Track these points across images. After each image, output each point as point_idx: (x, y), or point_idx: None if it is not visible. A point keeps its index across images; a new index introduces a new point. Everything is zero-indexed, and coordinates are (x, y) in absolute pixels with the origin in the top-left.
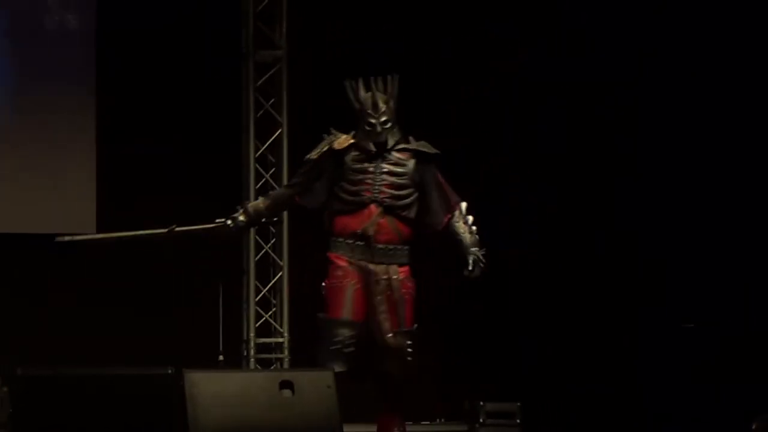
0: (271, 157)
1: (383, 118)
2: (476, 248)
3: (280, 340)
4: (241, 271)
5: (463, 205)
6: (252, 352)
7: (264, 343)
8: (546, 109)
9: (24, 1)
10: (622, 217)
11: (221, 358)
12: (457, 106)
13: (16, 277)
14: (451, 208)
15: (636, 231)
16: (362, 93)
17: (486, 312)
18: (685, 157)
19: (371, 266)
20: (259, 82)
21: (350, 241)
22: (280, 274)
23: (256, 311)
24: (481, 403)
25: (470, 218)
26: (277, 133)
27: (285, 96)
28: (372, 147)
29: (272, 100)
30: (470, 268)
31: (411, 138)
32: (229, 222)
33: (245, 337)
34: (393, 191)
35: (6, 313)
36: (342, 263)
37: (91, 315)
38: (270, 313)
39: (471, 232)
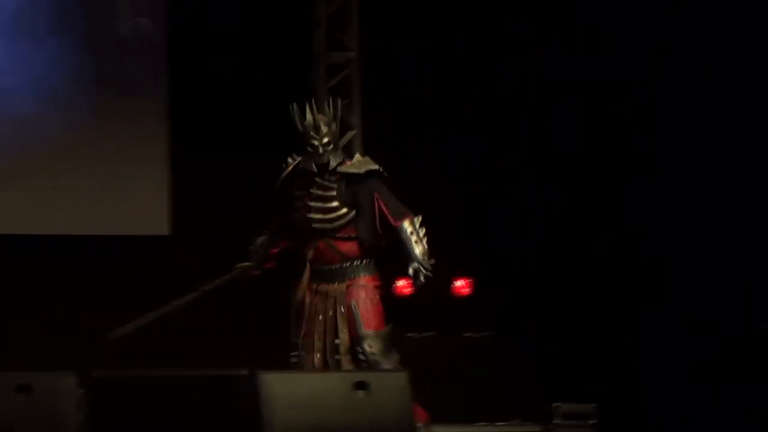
0: None
1: (325, 140)
2: (422, 258)
3: None
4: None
5: (416, 219)
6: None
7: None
8: (561, 106)
9: (97, 7)
10: (632, 215)
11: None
12: (473, 104)
13: (90, 278)
14: (395, 223)
15: (643, 230)
16: (307, 116)
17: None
18: (698, 156)
19: (326, 287)
20: (331, 83)
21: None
22: None
23: None
24: (556, 404)
25: (422, 231)
26: (351, 135)
27: (357, 97)
28: (314, 168)
29: (344, 102)
30: (410, 274)
31: (353, 158)
32: (248, 264)
33: None
34: (322, 215)
35: (78, 313)
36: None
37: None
38: None
39: (419, 242)
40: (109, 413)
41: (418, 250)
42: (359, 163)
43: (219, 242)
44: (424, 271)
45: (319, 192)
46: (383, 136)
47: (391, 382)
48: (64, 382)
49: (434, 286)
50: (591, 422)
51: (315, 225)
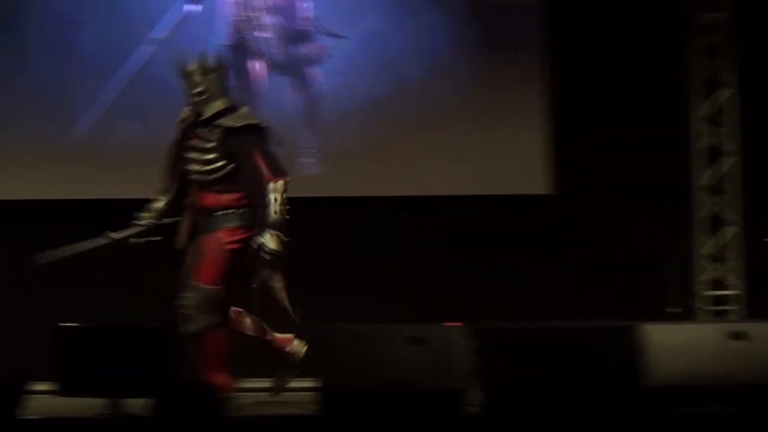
0: (717, 122)
1: (197, 89)
2: (273, 230)
3: (733, 292)
4: (688, 226)
5: (280, 182)
6: (702, 304)
7: (716, 296)
8: None
9: None
10: None
11: (674, 309)
12: None
13: (475, 237)
14: (264, 181)
15: None
16: (183, 67)
17: None
18: None
19: (199, 237)
20: (700, 44)
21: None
22: (730, 229)
23: (705, 264)
24: None
25: (281, 196)
26: (726, 97)
27: (731, 59)
28: (190, 117)
29: (717, 63)
30: (255, 246)
31: (239, 108)
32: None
33: (694, 290)
34: (198, 166)
35: (458, 270)
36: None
37: (540, 272)
38: (719, 266)
39: (276, 212)
40: (495, 362)
41: (272, 217)
42: (240, 117)
43: (599, 202)
44: (266, 252)
45: (199, 143)
46: (761, 97)
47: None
48: (453, 334)
49: None
50: None
51: (193, 176)
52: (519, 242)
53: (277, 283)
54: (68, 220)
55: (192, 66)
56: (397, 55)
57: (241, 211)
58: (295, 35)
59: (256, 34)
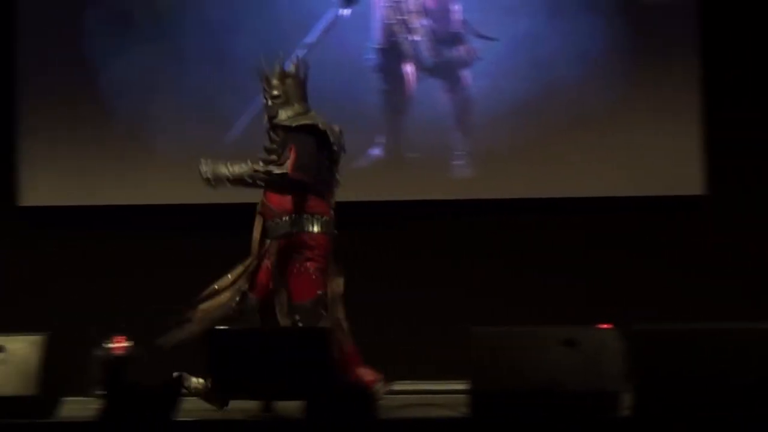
0: None
1: (274, 92)
2: (223, 163)
3: None
4: None
5: (285, 167)
6: None
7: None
8: None
9: None
10: None
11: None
12: None
13: (623, 238)
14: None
15: None
16: (261, 72)
17: None
18: None
19: (268, 241)
20: None
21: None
22: None
23: None
24: None
25: (267, 175)
26: None
27: None
28: (266, 121)
29: None
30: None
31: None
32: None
33: None
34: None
35: (610, 272)
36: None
37: (692, 274)
38: None
39: (249, 168)
40: (648, 364)
41: (243, 167)
42: (299, 117)
43: (754, 203)
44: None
45: (267, 146)
46: None
47: None
48: (605, 335)
49: None
50: None
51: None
52: (671, 244)
53: (338, 289)
54: (225, 224)
55: (271, 70)
56: (548, 58)
57: (305, 215)
58: (446, 38)
59: (407, 37)
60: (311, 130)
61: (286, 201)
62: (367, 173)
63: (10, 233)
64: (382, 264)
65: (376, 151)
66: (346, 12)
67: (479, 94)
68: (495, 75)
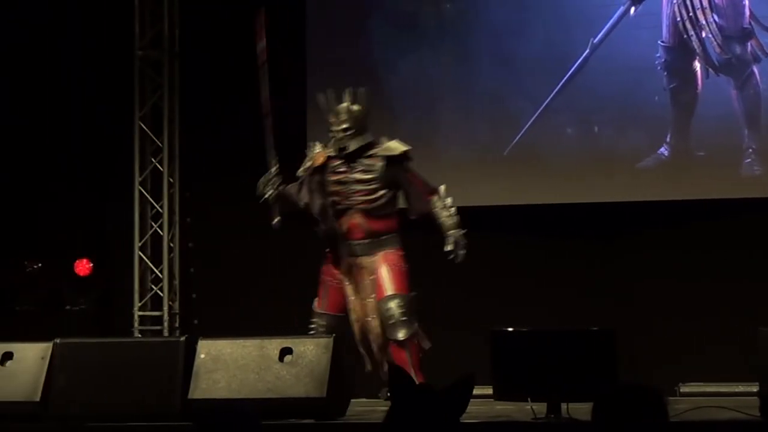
0: None
1: (344, 125)
2: (455, 230)
3: None
4: None
5: (441, 188)
6: None
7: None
8: None
9: None
10: None
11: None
12: None
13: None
14: (426, 196)
15: None
16: (329, 104)
17: None
18: None
19: (356, 260)
20: None
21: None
22: None
23: None
24: None
25: (449, 200)
26: None
27: None
28: (335, 152)
29: None
30: (449, 248)
31: (381, 141)
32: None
33: None
34: (364, 197)
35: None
36: (328, 262)
37: None
38: None
39: (450, 215)
40: None
41: (450, 221)
42: (391, 147)
43: None
44: (461, 248)
45: (361, 175)
46: None
47: None
48: None
49: None
50: None
51: (359, 206)
52: None
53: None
54: (510, 226)
55: (340, 103)
56: None
57: (397, 234)
58: (734, 33)
59: (695, 34)
60: (406, 155)
61: (383, 224)
62: (655, 173)
63: None
64: (670, 262)
65: (663, 150)
66: (632, 9)
67: None
68: None
